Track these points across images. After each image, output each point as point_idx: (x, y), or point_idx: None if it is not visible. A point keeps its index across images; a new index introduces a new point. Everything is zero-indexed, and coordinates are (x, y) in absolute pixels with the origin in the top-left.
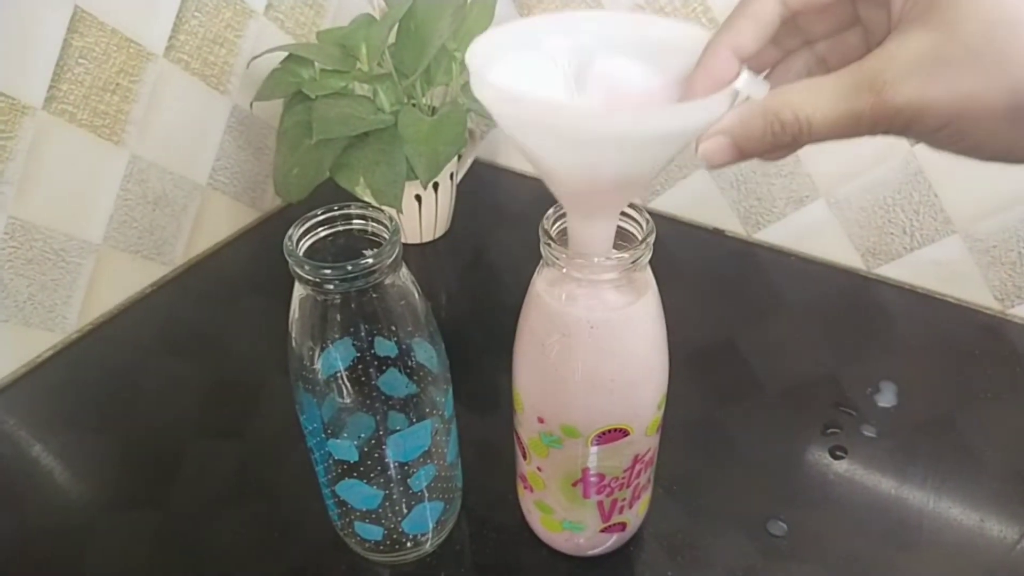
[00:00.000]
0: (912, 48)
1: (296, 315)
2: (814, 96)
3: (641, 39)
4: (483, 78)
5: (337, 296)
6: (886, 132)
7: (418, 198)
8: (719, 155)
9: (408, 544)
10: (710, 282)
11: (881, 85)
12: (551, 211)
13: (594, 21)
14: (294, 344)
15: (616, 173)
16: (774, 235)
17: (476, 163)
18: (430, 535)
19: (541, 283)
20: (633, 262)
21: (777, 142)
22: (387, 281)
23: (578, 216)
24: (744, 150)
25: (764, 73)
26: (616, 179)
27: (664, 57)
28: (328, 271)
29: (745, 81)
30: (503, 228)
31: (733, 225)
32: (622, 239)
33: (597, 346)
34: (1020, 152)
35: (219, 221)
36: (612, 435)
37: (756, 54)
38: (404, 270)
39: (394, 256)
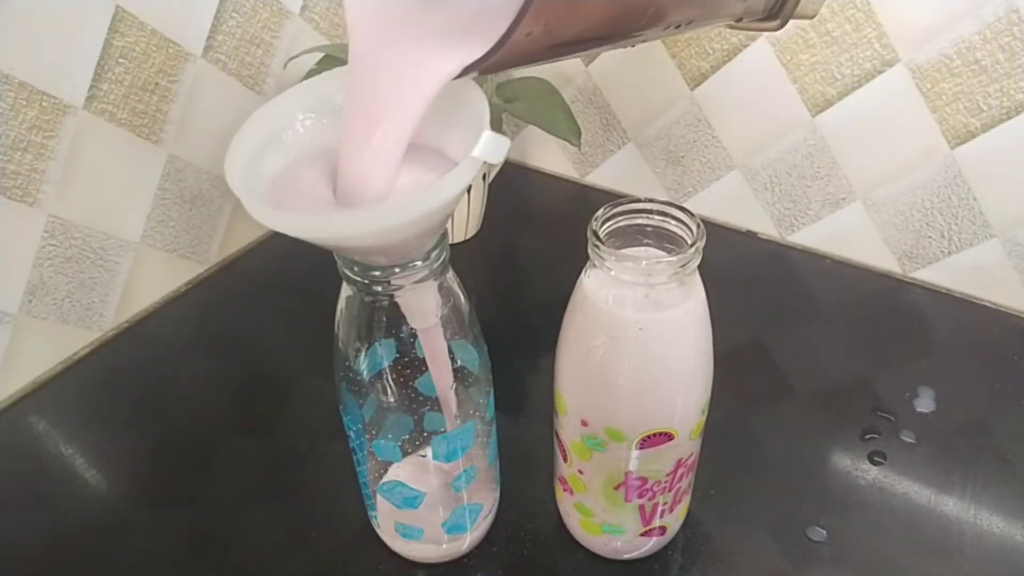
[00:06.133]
0: None
1: (342, 315)
2: None
3: None
4: (254, 206)
5: (385, 298)
6: None
7: None
8: None
9: (445, 545)
10: (743, 285)
11: None
12: (600, 212)
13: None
14: (340, 344)
15: (399, 243)
16: (808, 237)
17: (506, 163)
18: (468, 536)
19: (588, 284)
20: (682, 266)
21: None
22: (435, 283)
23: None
24: None
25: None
26: (401, 245)
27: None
28: (377, 273)
29: (484, 144)
30: (534, 228)
31: (766, 227)
32: (671, 243)
33: (645, 349)
34: None
35: (255, 221)
36: (657, 439)
37: None
38: (451, 273)
39: (442, 259)
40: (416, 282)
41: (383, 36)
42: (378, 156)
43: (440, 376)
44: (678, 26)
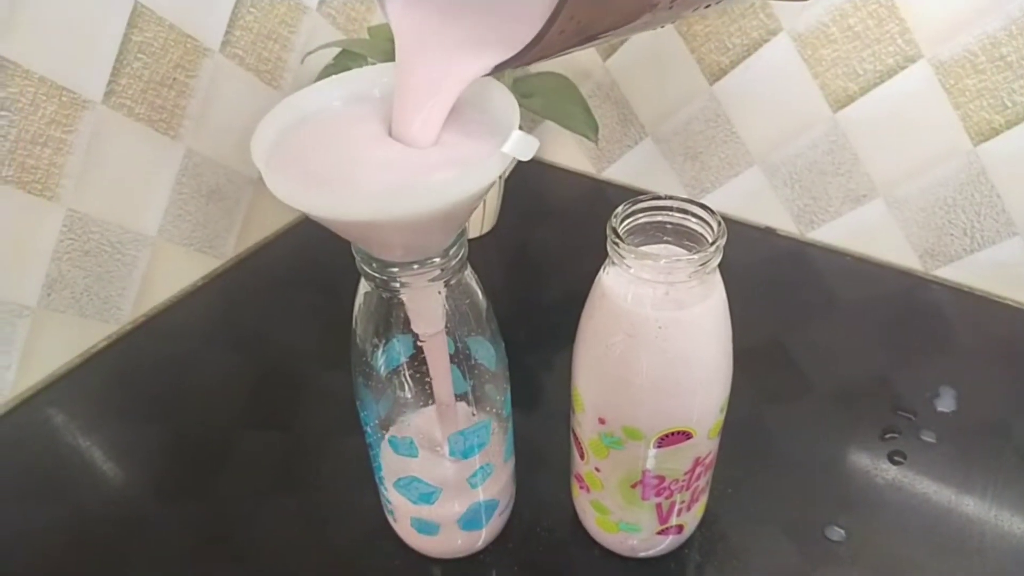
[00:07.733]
0: None
1: (360, 310)
2: None
3: None
4: (275, 182)
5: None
6: None
7: None
8: None
9: (460, 541)
10: (762, 282)
11: None
12: (620, 209)
13: (381, 74)
14: (357, 339)
15: (422, 233)
16: (829, 234)
17: None
18: (483, 532)
19: (607, 282)
20: (703, 264)
21: None
22: (453, 280)
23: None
24: None
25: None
26: (422, 238)
27: None
28: (395, 269)
29: (514, 142)
30: (550, 224)
31: (786, 224)
32: (691, 240)
33: (664, 347)
34: None
35: (271, 215)
36: (675, 438)
37: None
38: (469, 269)
39: (460, 256)
40: (432, 279)
41: (418, 41)
42: (421, 129)
43: (442, 386)
44: (707, 5)
